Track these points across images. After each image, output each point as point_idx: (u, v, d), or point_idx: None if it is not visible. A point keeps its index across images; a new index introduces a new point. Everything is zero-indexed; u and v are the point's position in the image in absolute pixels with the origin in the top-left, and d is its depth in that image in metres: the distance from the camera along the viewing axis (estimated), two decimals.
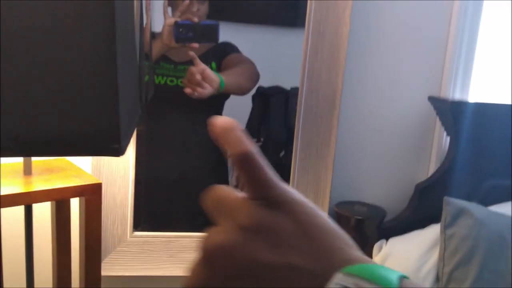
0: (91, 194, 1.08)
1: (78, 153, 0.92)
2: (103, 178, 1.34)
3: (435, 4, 1.52)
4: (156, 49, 1.39)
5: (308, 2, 1.40)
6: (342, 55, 1.41)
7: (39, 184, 1.05)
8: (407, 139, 1.58)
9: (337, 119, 1.45)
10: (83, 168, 1.19)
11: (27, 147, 0.88)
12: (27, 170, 1.08)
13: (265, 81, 1.50)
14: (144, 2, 1.31)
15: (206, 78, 1.35)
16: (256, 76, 1.49)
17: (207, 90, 1.35)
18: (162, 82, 1.43)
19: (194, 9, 1.39)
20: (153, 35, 1.39)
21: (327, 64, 1.42)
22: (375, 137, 1.56)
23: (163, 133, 1.50)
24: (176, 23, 1.33)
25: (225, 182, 1.59)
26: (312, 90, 1.44)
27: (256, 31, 1.51)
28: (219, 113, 1.53)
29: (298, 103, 1.46)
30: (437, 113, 1.51)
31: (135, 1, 1.19)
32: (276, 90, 1.57)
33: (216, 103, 1.50)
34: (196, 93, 1.35)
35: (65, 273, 1.21)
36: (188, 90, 1.35)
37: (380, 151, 1.57)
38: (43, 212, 1.29)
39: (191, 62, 1.37)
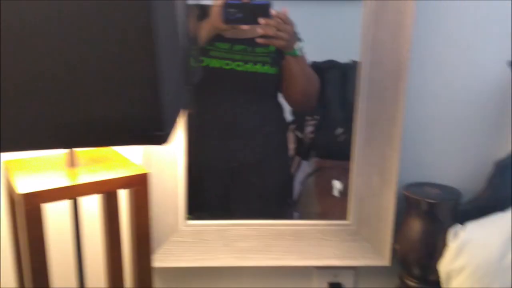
0: (139, 185, 1.01)
1: (120, 143, 0.85)
2: (152, 167, 1.26)
3: None
4: (205, 31, 1.30)
5: None
6: (408, 21, 1.26)
7: (84, 176, 0.98)
8: (484, 110, 1.41)
9: (404, 92, 1.30)
10: (131, 156, 1.12)
11: (67, 138, 0.82)
12: (72, 162, 1.02)
13: (319, 56, 1.40)
14: None
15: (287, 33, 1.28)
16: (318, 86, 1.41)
17: (282, 42, 1.29)
18: (217, 65, 1.34)
19: None
20: (204, 13, 1.29)
21: (391, 32, 1.27)
22: (447, 111, 1.40)
23: (217, 118, 1.41)
24: (225, 3, 1.24)
25: (285, 167, 1.50)
26: (375, 62, 1.30)
27: (308, 5, 1.39)
28: (276, 95, 1.42)
29: (359, 77, 1.32)
30: None
31: None
32: (331, 65, 1.46)
33: (273, 85, 1.39)
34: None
35: (117, 267, 1.15)
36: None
37: (453, 125, 1.41)
38: (90, 204, 1.24)
39: (249, 41, 1.28)
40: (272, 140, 1.46)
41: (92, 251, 1.24)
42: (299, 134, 1.52)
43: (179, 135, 1.27)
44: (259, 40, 1.28)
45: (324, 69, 1.46)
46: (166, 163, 1.27)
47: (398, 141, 1.33)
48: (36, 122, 0.78)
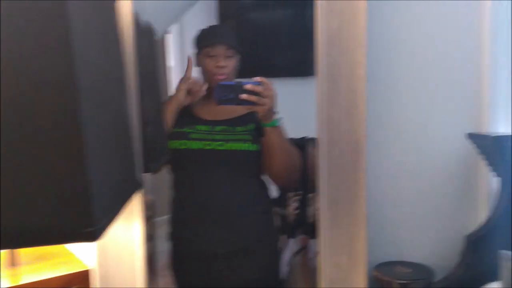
0: (81, 283, 0.96)
1: (49, 242, 0.81)
2: (108, 260, 1.21)
3: (464, 30, 1.36)
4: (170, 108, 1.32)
5: (319, 46, 1.27)
6: (360, 99, 1.26)
7: (24, 276, 0.94)
8: (448, 184, 1.39)
9: (363, 169, 1.28)
10: (82, 251, 1.08)
11: None
12: (12, 262, 0.98)
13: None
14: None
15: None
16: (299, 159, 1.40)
17: (265, 108, 1.26)
18: (197, 147, 1.33)
19: (222, 64, 1.35)
20: None
21: (345, 110, 1.27)
22: (410, 186, 1.38)
23: (200, 201, 1.36)
24: (219, 84, 1.26)
25: (274, 248, 1.46)
26: (331, 141, 1.29)
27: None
28: (259, 174, 1.41)
29: (319, 156, 1.30)
30: (480, 152, 1.32)
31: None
32: (307, 140, 1.46)
33: (255, 163, 1.38)
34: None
35: None
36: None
37: (419, 201, 1.39)
38: None
39: (228, 121, 1.33)
40: (259, 220, 1.41)
41: None
42: (283, 212, 1.49)
43: (135, 226, 1.23)
44: (241, 107, 1.28)
45: (301, 145, 1.45)
46: (123, 256, 1.22)
47: (363, 220, 1.29)
48: None
